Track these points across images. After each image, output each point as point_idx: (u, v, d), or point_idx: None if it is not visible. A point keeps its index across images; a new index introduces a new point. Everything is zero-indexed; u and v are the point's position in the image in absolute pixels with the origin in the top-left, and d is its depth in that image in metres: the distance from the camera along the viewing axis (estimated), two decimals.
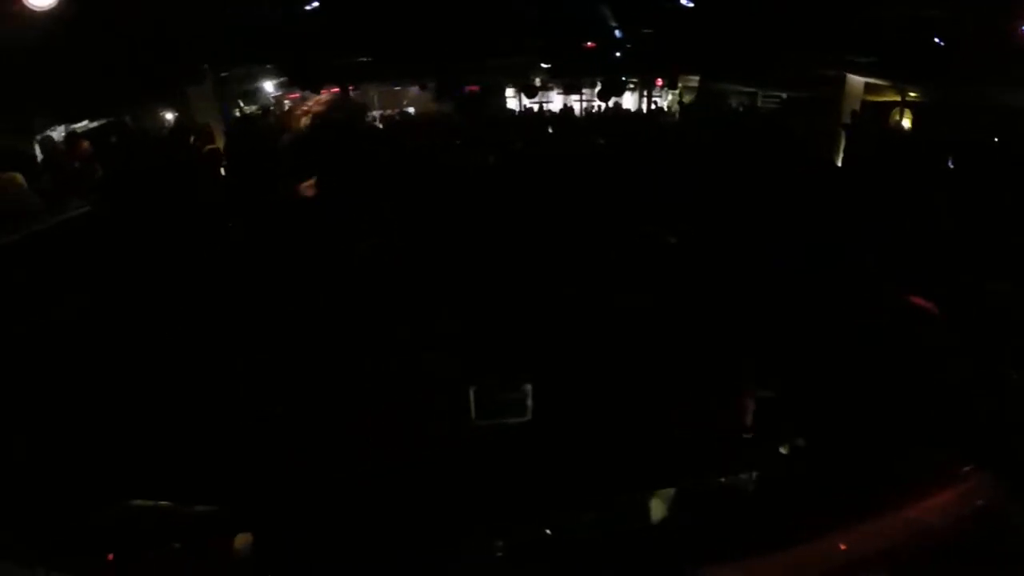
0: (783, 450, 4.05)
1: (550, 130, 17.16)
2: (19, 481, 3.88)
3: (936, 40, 11.82)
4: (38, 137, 13.61)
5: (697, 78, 19.91)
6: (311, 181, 9.11)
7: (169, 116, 16.40)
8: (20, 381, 4.90)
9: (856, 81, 14.83)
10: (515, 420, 4.27)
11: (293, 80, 17.39)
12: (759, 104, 19.34)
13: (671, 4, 12.35)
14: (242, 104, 19.31)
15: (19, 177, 9.56)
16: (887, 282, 5.64)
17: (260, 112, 19.83)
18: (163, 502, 3.59)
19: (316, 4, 12.60)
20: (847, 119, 14.66)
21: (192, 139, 14.11)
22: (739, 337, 5.18)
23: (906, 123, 14.33)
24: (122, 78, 11.99)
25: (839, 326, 5.03)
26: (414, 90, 21.74)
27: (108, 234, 9.16)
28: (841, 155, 14.22)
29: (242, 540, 3.51)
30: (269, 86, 19.26)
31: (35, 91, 10.44)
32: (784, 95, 18.26)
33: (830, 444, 4.04)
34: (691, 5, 12.05)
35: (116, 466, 4.15)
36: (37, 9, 6.60)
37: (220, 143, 14.46)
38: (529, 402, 4.28)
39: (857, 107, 14.89)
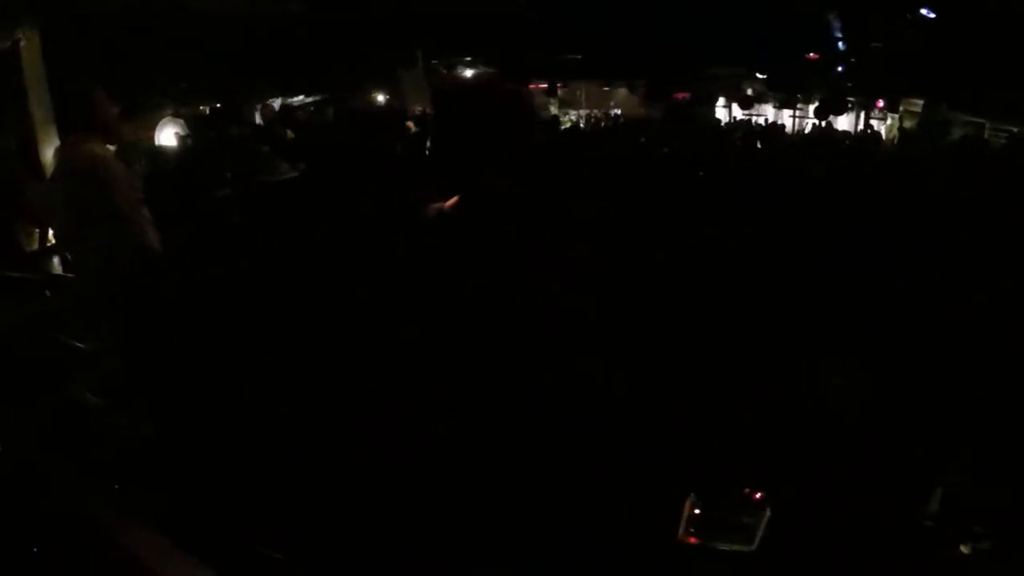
0: (965, 550, 3.50)
1: (759, 145, 16.51)
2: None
3: None
4: (258, 105, 14.38)
5: (920, 102, 18.47)
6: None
7: (380, 97, 16.91)
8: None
9: None
10: (732, 548, 3.39)
11: (501, 71, 17.47)
12: (986, 137, 17.79)
13: (908, 15, 11.35)
14: None
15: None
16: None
17: None
18: None
19: None
20: None
21: (407, 122, 14.50)
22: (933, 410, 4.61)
23: None
24: (341, 57, 12.37)
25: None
26: (622, 92, 21.45)
27: (309, 199, 9.51)
28: None
29: None
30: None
31: (262, 63, 10.91)
32: (1015, 129, 16.69)
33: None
34: (932, 16, 11.00)
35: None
36: None
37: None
38: (761, 532, 3.36)
39: None
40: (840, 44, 14.92)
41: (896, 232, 8.14)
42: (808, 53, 15.47)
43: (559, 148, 13.29)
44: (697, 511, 3.44)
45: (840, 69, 16.21)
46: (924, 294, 6.45)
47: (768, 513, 3.32)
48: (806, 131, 20.59)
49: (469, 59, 17.45)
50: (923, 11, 11.04)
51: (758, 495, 3.43)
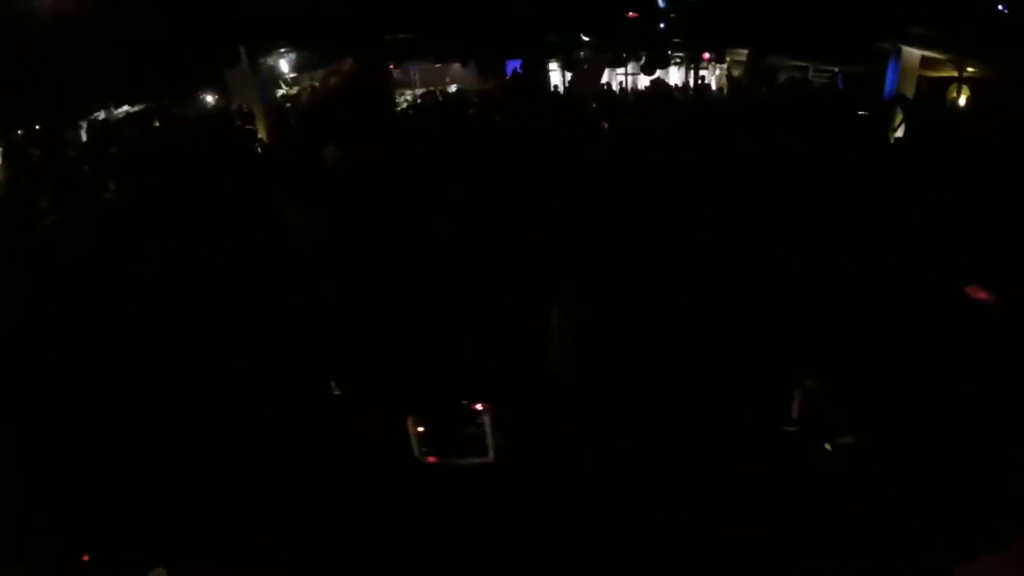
0: (827, 447, 3.84)
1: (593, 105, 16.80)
2: None
3: (999, 7, 11.14)
4: (82, 122, 13.72)
5: (746, 52, 19.18)
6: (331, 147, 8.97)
7: (210, 99, 16.41)
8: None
9: (912, 55, 14.11)
10: (472, 460, 3.64)
11: (330, 60, 17.12)
12: (810, 79, 18.73)
13: None
14: (283, 85, 19.24)
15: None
16: (945, 271, 5.38)
17: (299, 92, 19.76)
18: None
19: None
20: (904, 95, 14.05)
21: (236, 121, 14.15)
22: (785, 328, 4.96)
23: (962, 100, 13.66)
24: (161, 62, 11.91)
25: (893, 319, 4.78)
26: (456, 67, 21.29)
27: (145, 214, 9.20)
28: (896, 134, 13.62)
29: None
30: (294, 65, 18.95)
31: (79, 77, 10.42)
32: (836, 70, 17.65)
33: (880, 445, 3.81)
34: None
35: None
36: None
37: (260, 123, 14.45)
38: (491, 439, 3.61)
39: (913, 82, 14.26)
40: (660, 2, 15.33)
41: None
42: (628, 12, 15.77)
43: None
44: (421, 429, 3.63)
45: (662, 26, 16.63)
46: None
47: (489, 420, 3.58)
48: (640, 88, 21.12)
49: (290, 50, 17.08)
50: None
51: (476, 406, 3.60)
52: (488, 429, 3.54)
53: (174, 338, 5.54)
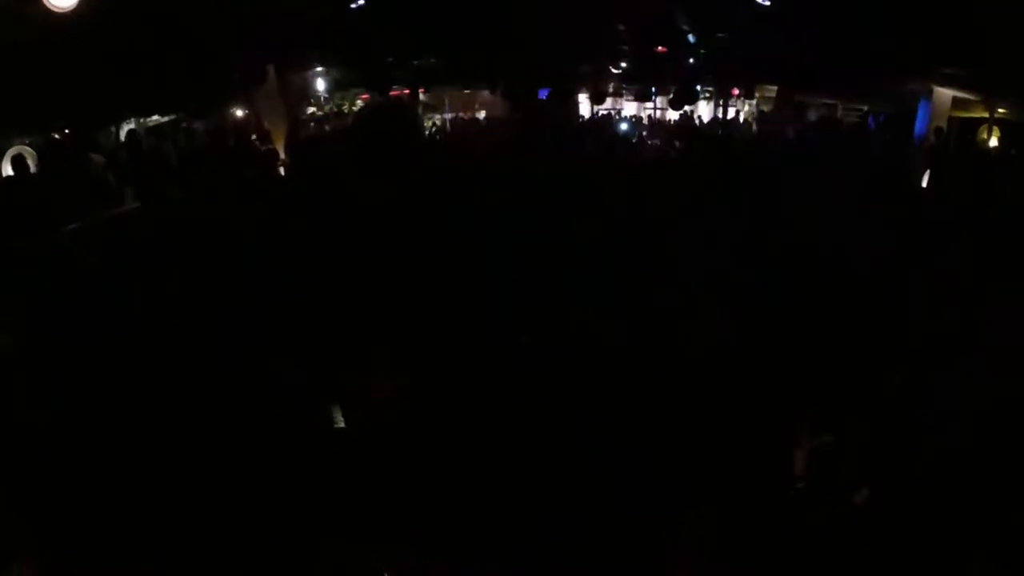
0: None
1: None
2: None
3: None
4: (114, 131, 13.84)
5: (775, 88, 19.04)
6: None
7: (240, 113, 16.48)
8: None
9: (943, 95, 13.97)
10: None
11: (360, 82, 17.21)
12: (840, 117, 18.58)
13: (749, 7, 11.66)
14: (312, 105, 19.38)
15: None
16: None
17: (331, 113, 19.88)
18: None
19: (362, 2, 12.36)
20: (931, 137, 13.90)
21: (253, 138, 14.14)
22: (796, 375, 4.66)
23: (993, 142, 13.45)
24: (190, 75, 11.97)
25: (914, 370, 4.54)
26: (486, 93, 21.36)
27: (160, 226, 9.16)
28: (926, 176, 13.42)
29: None
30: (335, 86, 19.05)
31: (110, 88, 10.47)
32: (865, 108, 17.51)
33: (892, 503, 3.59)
34: (768, 3, 11.32)
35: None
36: (57, 10, 6.50)
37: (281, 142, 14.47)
38: None
39: (943, 123, 14.09)
40: (689, 37, 15.28)
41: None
42: (657, 47, 15.72)
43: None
44: None
45: (692, 61, 16.59)
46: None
47: None
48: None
49: (323, 70, 17.17)
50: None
51: None
52: None
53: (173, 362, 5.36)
